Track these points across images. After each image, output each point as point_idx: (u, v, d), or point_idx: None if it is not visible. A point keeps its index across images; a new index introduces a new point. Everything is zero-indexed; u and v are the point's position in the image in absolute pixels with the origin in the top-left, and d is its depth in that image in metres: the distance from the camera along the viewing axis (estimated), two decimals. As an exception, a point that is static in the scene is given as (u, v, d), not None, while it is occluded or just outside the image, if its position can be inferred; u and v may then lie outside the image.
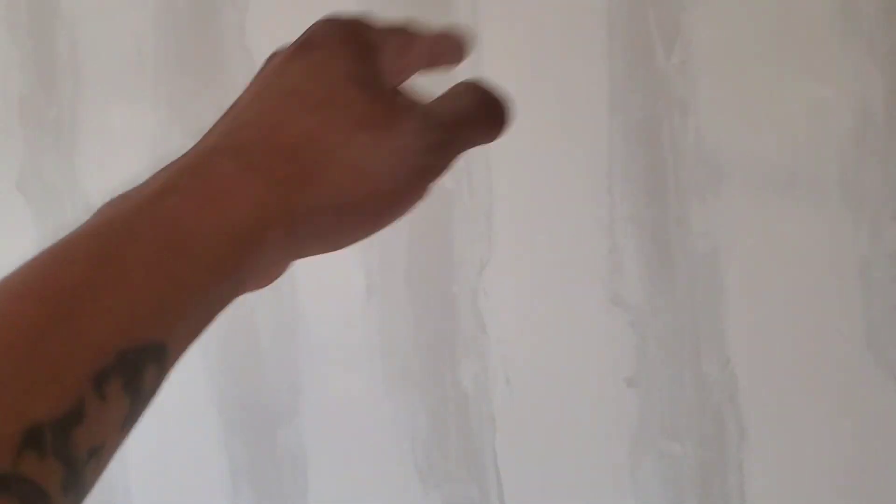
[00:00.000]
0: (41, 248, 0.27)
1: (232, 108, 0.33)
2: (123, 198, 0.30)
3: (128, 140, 1.23)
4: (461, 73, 0.37)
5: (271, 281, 0.32)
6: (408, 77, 0.34)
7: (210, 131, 0.33)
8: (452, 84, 0.34)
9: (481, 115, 0.33)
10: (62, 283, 0.26)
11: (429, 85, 0.36)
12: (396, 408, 1.17)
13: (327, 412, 1.22)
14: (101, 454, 0.24)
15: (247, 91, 0.34)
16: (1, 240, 1.26)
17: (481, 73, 1.15)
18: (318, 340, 1.21)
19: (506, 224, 1.09)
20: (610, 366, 1.08)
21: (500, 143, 1.15)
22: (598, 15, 1.02)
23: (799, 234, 1.00)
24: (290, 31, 1.19)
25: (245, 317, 1.22)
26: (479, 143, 0.33)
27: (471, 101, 0.33)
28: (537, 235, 1.08)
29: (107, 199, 0.30)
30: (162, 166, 0.30)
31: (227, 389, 1.25)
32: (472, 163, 1.08)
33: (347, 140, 0.30)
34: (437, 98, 0.33)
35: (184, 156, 0.30)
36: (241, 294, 0.29)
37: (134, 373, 0.25)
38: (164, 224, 0.28)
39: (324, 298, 1.20)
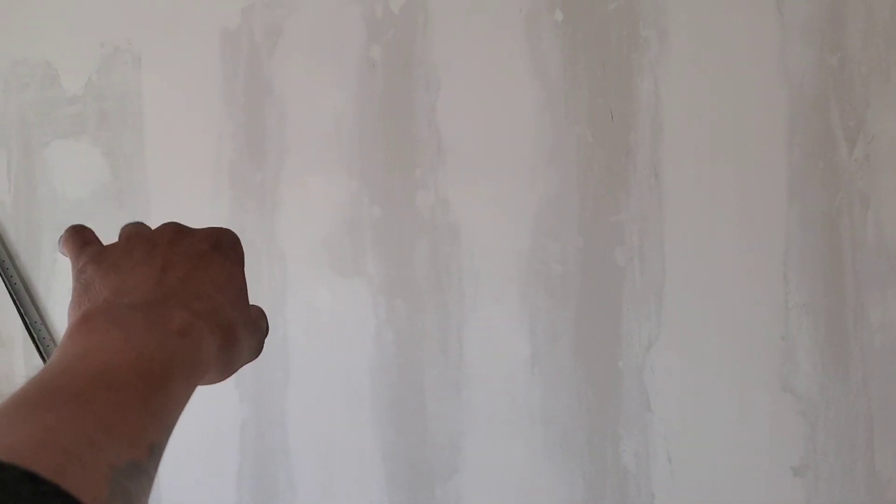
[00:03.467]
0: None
1: (143, 269, 0.49)
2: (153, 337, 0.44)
3: (322, 206, 1.35)
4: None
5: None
6: None
7: (139, 287, 0.48)
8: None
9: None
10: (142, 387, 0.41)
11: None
12: (554, 476, 1.20)
13: (485, 473, 1.26)
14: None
15: (155, 259, 0.50)
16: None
17: (662, 158, 1.19)
18: (481, 403, 1.26)
19: (676, 303, 1.11)
20: (776, 454, 1.07)
21: (678, 222, 1.17)
22: (781, 106, 1.04)
23: None
24: (475, 114, 1.27)
25: (414, 376, 1.30)
26: None
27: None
28: (708, 317, 1.09)
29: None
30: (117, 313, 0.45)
31: (392, 441, 1.32)
32: (646, 241, 1.12)
33: (247, 327, 0.51)
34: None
35: (157, 314, 0.46)
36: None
37: (158, 452, 0.40)
38: (186, 361, 0.44)
39: (489, 364, 1.25)
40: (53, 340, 1.70)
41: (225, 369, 0.50)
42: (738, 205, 1.07)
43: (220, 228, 0.54)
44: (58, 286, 1.67)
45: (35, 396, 0.38)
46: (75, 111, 1.58)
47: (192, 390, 0.45)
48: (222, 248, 0.52)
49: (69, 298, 0.49)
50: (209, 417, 1.46)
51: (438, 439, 1.29)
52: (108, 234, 0.53)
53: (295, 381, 1.39)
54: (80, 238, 0.52)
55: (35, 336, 1.72)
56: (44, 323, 1.72)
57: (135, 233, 0.52)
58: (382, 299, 1.31)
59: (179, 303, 0.47)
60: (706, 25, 1.08)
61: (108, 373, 0.40)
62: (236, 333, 0.49)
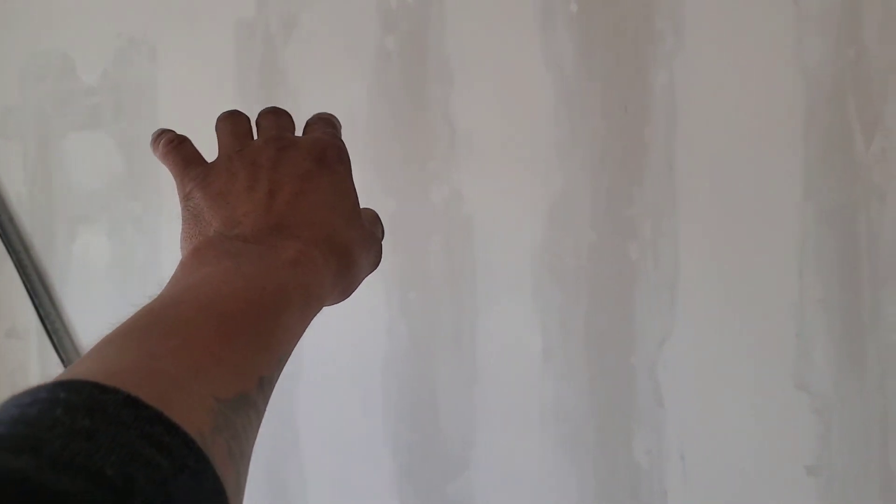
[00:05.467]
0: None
1: (246, 194, 0.49)
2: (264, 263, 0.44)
3: (334, 197, 1.34)
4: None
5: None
6: None
7: (246, 213, 0.48)
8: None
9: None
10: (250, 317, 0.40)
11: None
12: (566, 472, 1.19)
13: (497, 469, 1.25)
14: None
15: (260, 179, 0.49)
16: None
17: (676, 151, 1.17)
18: (493, 398, 1.25)
19: (690, 299, 1.10)
20: (790, 452, 1.06)
21: (692, 217, 1.16)
22: (797, 99, 1.03)
23: None
24: (489, 106, 1.26)
25: (425, 369, 1.29)
26: None
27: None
28: (722, 313, 1.08)
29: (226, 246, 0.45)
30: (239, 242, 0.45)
31: (403, 435, 1.32)
32: (660, 236, 1.11)
33: (363, 244, 0.49)
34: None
35: (258, 243, 0.45)
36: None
37: (268, 385, 0.39)
38: (299, 291, 0.43)
39: (501, 358, 1.24)
40: (67, 332, 1.71)
41: (345, 291, 0.49)
42: (753, 199, 1.06)
43: (323, 139, 0.52)
44: (72, 278, 1.68)
45: (143, 325, 0.37)
46: (92, 103, 1.59)
47: (308, 321, 0.44)
48: (328, 162, 0.50)
49: (179, 225, 0.48)
50: (220, 409, 1.46)
51: (450, 434, 1.28)
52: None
53: (306, 374, 1.39)
54: (181, 155, 0.51)
55: (49, 328, 1.73)
56: (58, 315, 1.73)
57: (236, 152, 0.51)
58: (396, 292, 1.31)
59: (291, 232, 0.46)
60: (722, 18, 1.07)
61: (218, 302, 0.39)
62: (353, 255, 0.48)
